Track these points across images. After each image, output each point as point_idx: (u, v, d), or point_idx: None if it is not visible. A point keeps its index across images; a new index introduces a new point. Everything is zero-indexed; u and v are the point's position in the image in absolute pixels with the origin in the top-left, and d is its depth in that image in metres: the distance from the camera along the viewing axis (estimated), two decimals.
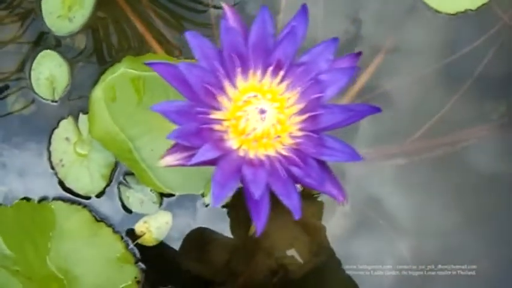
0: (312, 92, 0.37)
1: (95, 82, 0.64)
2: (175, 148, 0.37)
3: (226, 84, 0.37)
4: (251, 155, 0.37)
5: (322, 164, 0.37)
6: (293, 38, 0.37)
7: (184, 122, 0.35)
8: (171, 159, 0.36)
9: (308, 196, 0.64)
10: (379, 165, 0.66)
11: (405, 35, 0.68)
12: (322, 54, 0.38)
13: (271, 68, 0.38)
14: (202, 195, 0.63)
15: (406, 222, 0.63)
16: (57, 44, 0.66)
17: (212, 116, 0.37)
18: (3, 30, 0.67)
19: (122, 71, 0.63)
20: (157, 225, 0.63)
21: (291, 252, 0.62)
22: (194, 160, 0.34)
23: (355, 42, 0.67)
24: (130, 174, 0.64)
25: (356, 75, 0.66)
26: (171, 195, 0.63)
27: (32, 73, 0.65)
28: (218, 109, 0.37)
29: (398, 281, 0.62)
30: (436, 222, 0.64)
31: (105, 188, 0.64)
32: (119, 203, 0.64)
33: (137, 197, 0.64)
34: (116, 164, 0.64)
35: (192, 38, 0.37)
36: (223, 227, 0.64)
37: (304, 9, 0.38)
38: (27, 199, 0.64)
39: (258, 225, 0.36)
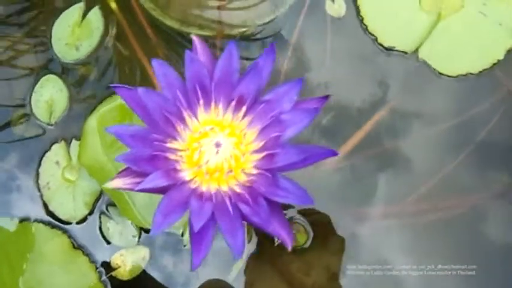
0: (272, 130, 0.37)
1: (92, 111, 0.64)
2: (127, 172, 0.36)
3: (187, 115, 0.37)
4: (203, 188, 0.36)
5: (274, 206, 0.36)
6: (257, 75, 0.37)
7: (138, 147, 0.35)
8: (119, 182, 0.36)
9: (294, 250, 0.62)
10: (377, 224, 0.64)
11: (407, 96, 0.67)
12: (286, 94, 0.37)
13: (233, 103, 0.37)
14: (182, 235, 0.62)
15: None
16: (62, 70, 0.68)
17: (168, 145, 0.37)
18: (17, 53, 0.70)
19: (118, 102, 0.64)
20: (133, 260, 0.63)
21: None
22: (141, 186, 0.34)
23: (358, 100, 0.66)
24: (113, 205, 0.63)
25: (357, 127, 0.65)
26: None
27: (33, 95, 0.66)
28: (175, 138, 0.37)
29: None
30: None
31: (86, 216, 0.64)
32: (99, 233, 0.63)
33: (117, 228, 0.63)
34: (101, 194, 0.64)
35: (158, 66, 0.37)
36: (201, 270, 0.62)
37: (271, 47, 0.38)
38: (10, 218, 0.64)
39: (195, 259, 0.35)
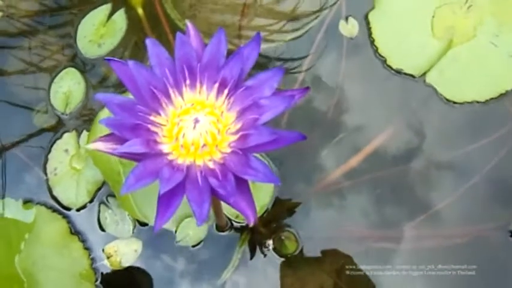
0: (250, 113, 0.38)
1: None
2: (109, 137, 0.39)
3: (172, 92, 0.39)
4: (178, 161, 0.38)
5: (244, 185, 0.37)
6: (239, 59, 0.39)
7: (123, 116, 0.37)
8: (101, 145, 0.38)
9: (289, 265, 0.63)
10: (376, 247, 0.65)
11: (412, 120, 0.68)
12: (267, 81, 0.39)
13: (216, 85, 0.39)
14: (175, 231, 0.63)
15: None
16: (83, 65, 0.72)
17: (151, 118, 0.39)
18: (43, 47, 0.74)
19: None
20: (126, 251, 0.64)
21: None
22: (120, 149, 0.36)
23: (363, 125, 0.67)
24: (113, 196, 0.65)
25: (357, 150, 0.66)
26: (146, 224, 0.64)
27: (53, 85, 0.70)
28: (158, 113, 0.39)
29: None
30: None
31: (86, 204, 0.66)
32: (96, 221, 0.65)
33: (114, 219, 0.65)
34: (103, 184, 0.66)
35: (151, 45, 0.40)
36: (193, 267, 0.63)
37: (257, 36, 0.40)
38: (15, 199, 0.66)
39: (158, 223, 0.36)
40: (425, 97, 0.67)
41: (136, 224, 0.65)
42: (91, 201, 0.66)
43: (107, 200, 0.66)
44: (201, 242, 0.64)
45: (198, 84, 0.40)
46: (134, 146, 0.36)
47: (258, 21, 0.74)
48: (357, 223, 0.66)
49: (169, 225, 0.64)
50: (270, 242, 0.63)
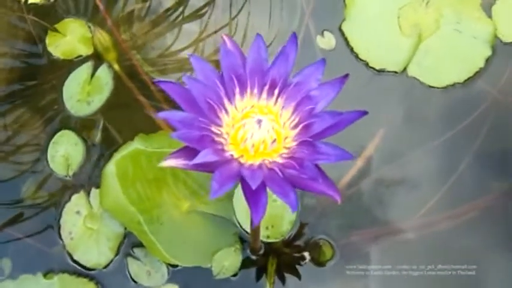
0: (305, 106, 0.40)
1: (108, 159, 0.66)
2: (178, 153, 0.39)
3: (226, 102, 0.40)
4: (250, 162, 0.39)
5: (318, 168, 0.39)
6: (285, 60, 0.41)
7: (185, 131, 0.38)
8: (173, 162, 0.39)
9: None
10: (389, 241, 0.66)
11: (401, 112, 0.72)
12: (312, 75, 0.41)
13: (266, 87, 0.41)
14: (211, 267, 0.62)
15: None
16: (75, 124, 0.71)
17: (212, 129, 0.39)
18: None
19: (135, 147, 0.66)
20: None
21: None
22: (194, 161, 0.36)
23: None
24: (138, 246, 0.64)
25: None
26: (177, 266, 0.63)
27: (49, 150, 0.68)
28: (218, 124, 0.40)
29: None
30: None
31: (112, 260, 0.64)
32: (126, 275, 0.63)
33: (144, 269, 0.63)
34: (125, 236, 0.64)
35: (195, 61, 0.41)
36: None
37: (293, 35, 0.42)
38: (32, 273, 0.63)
39: (255, 219, 0.37)
40: (410, 88, 0.71)
41: (169, 268, 0.63)
42: (116, 255, 0.64)
43: (133, 251, 0.64)
44: (239, 269, 0.63)
45: (248, 90, 0.41)
46: (207, 155, 0.37)
47: None
48: (367, 222, 0.67)
49: (202, 262, 0.63)
50: (306, 253, 0.64)
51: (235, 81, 0.41)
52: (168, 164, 0.39)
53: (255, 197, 0.37)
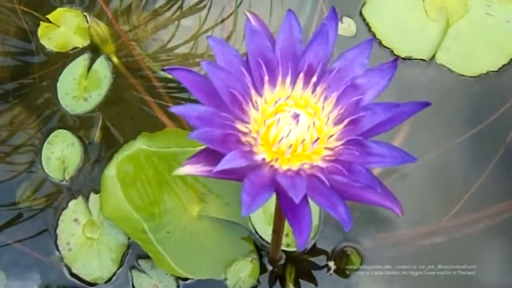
0: (350, 97, 0.33)
1: (108, 161, 0.60)
2: (196, 159, 0.32)
3: (253, 92, 0.33)
4: (286, 167, 0.32)
5: (371, 174, 0.32)
6: (324, 40, 0.34)
7: (204, 130, 0.31)
8: (191, 169, 0.31)
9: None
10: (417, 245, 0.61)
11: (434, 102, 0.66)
12: (356, 59, 0.35)
13: (302, 75, 0.34)
14: (225, 279, 0.56)
15: None
16: (71, 123, 0.64)
17: (238, 126, 0.32)
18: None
19: (137, 148, 0.61)
20: None
21: None
22: (219, 167, 0.29)
23: None
24: (144, 257, 0.57)
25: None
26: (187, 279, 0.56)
27: (43, 152, 0.62)
28: (245, 121, 0.33)
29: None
30: None
31: (115, 273, 0.57)
32: None
33: (151, 283, 0.57)
34: (128, 246, 0.58)
35: (214, 43, 0.34)
36: None
37: (333, 11, 0.35)
38: None
39: (299, 240, 0.30)
40: (440, 77, 0.65)
41: (179, 281, 0.57)
42: (119, 268, 0.58)
43: (138, 264, 0.58)
44: (257, 282, 0.57)
45: (279, 78, 0.34)
46: (234, 160, 0.30)
47: None
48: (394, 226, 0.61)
49: (215, 274, 0.57)
50: (331, 263, 0.58)
51: (264, 68, 0.34)
52: (185, 171, 0.32)
53: (297, 213, 0.30)
